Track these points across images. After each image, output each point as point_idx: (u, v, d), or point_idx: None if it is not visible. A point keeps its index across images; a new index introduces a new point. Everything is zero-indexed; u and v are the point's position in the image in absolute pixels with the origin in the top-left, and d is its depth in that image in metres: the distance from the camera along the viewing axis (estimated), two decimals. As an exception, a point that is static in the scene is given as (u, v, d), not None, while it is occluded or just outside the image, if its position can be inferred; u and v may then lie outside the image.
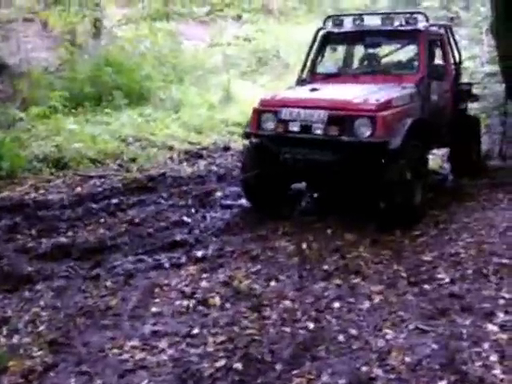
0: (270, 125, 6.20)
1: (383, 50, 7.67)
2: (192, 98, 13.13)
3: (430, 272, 4.75)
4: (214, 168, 8.80)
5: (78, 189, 7.62)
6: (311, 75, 7.15)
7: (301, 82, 7.12)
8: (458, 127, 7.54)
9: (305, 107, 5.97)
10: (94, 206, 6.84)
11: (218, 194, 7.39)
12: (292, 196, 7.07)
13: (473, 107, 8.86)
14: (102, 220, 6.41)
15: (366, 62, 7.34)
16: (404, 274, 4.74)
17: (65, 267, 5.13)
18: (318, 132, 5.85)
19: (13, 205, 6.77)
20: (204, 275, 4.89)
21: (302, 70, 7.19)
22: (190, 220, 6.38)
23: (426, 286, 4.49)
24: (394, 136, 5.67)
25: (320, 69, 7.25)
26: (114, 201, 7.01)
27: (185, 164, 9.23)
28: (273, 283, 4.66)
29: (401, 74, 6.69)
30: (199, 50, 15.95)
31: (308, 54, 7.21)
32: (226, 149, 10.18)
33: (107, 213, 6.61)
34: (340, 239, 5.64)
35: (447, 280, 4.56)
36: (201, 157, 9.63)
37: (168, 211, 6.64)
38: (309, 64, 7.21)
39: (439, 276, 4.65)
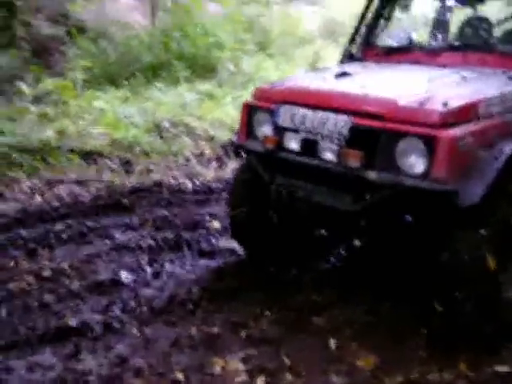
0: (265, 132, 3.58)
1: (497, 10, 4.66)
2: (268, 72, 10.55)
3: None
4: (242, 176, 6.24)
5: (37, 199, 5.45)
6: (364, 49, 4.33)
7: (348, 58, 4.35)
8: None
9: (316, 107, 3.26)
10: (24, 233, 4.62)
11: (215, 225, 4.88)
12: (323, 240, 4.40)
13: None
14: (12, 263, 4.17)
15: (462, 31, 4.36)
16: None
17: None
18: (329, 157, 3.15)
19: None
20: None
21: (351, 41, 4.40)
22: (129, 279, 3.94)
23: None
24: (472, 179, 2.82)
25: (381, 39, 4.40)
26: (58, 227, 4.75)
27: (212, 165, 6.77)
28: None
29: (514, 53, 3.69)
30: (293, 14, 13.12)
31: (363, 17, 4.39)
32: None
33: (28, 249, 4.37)
34: (345, 367, 2.95)
35: None
36: (238, 155, 7.09)
37: (109, 256, 4.25)
38: (364, 31, 4.40)
39: None
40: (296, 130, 3.30)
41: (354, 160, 2.98)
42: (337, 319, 3.40)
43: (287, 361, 2.98)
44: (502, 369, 2.93)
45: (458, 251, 2.84)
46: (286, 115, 3.36)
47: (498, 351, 3.06)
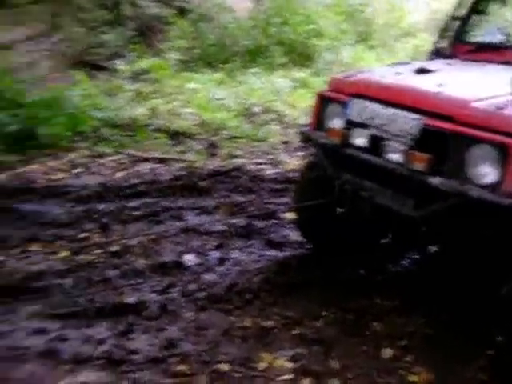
0: (335, 125, 3.47)
1: None
2: (368, 64, 10.27)
3: None
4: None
5: (119, 174, 5.64)
6: (454, 45, 4.08)
7: (436, 54, 4.13)
8: None
9: (387, 103, 3.12)
10: (101, 207, 4.79)
11: (289, 216, 4.81)
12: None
13: None
14: (84, 236, 4.33)
15: None
16: None
17: None
18: (395, 157, 2.99)
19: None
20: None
21: (442, 36, 4.17)
22: (193, 263, 3.98)
23: None
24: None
25: (474, 36, 4.13)
26: (134, 204, 4.88)
27: (298, 154, 6.70)
28: None
29: None
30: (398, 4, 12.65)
31: (455, 10, 4.14)
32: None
33: (102, 224, 4.51)
34: (396, 380, 2.82)
35: None
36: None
37: (178, 238, 4.31)
38: (455, 25, 4.15)
39: None
40: (364, 126, 3.16)
41: (420, 163, 2.81)
42: (396, 327, 3.24)
43: (336, 365, 2.88)
44: None
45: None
46: (356, 109, 3.23)
47: None
